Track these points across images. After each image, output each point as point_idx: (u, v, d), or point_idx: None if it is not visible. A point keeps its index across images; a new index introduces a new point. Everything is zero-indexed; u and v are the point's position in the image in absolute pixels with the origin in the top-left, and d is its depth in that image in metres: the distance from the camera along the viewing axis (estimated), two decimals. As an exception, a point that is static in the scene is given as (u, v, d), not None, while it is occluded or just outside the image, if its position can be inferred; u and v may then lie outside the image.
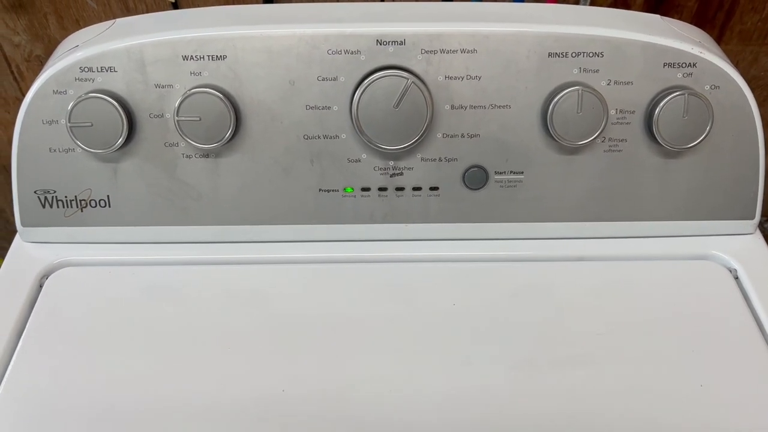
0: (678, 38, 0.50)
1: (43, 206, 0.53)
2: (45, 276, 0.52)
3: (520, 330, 0.48)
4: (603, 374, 0.46)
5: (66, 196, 0.53)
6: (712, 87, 0.50)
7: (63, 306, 0.50)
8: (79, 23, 0.88)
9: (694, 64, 0.50)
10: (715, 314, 0.50)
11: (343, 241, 0.55)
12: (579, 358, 0.47)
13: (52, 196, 0.53)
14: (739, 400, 0.44)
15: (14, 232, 0.55)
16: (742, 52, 0.91)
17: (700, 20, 0.87)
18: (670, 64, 0.50)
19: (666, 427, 0.43)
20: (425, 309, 0.50)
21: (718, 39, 0.89)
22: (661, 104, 0.50)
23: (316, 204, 0.53)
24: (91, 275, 0.53)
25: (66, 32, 0.88)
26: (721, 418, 0.44)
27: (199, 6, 0.85)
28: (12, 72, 0.94)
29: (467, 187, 0.53)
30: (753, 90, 0.93)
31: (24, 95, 0.51)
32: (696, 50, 0.50)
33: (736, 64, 0.92)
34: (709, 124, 0.50)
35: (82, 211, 0.53)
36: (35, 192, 0.53)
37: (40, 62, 0.92)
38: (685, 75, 0.50)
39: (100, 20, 0.79)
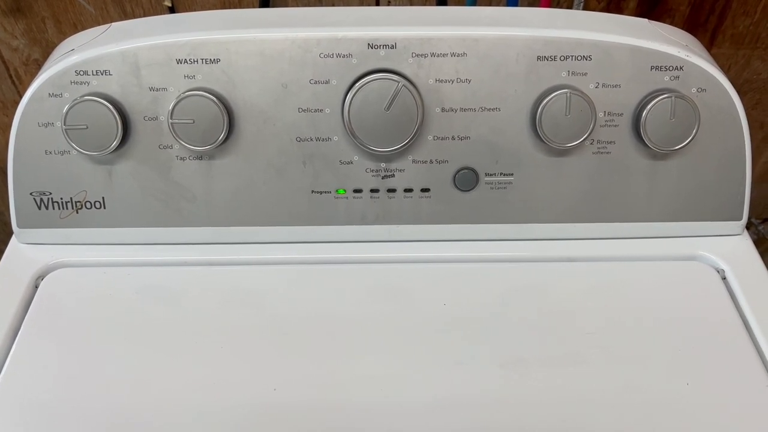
0: (665, 42, 0.51)
1: (39, 208, 0.54)
2: (40, 277, 0.53)
3: (511, 330, 0.49)
4: (591, 373, 0.46)
5: (61, 198, 0.53)
6: (699, 90, 0.51)
7: (58, 307, 0.51)
8: (77, 27, 0.88)
9: (680, 68, 0.51)
10: (703, 314, 0.50)
11: (335, 242, 0.55)
12: (568, 357, 0.47)
13: (48, 198, 0.53)
14: (724, 399, 0.45)
15: (12, 234, 0.56)
16: (734, 56, 0.91)
17: (692, 24, 0.88)
18: (657, 67, 0.51)
19: (653, 425, 0.43)
20: (416, 310, 0.50)
21: (711, 43, 0.90)
22: (649, 107, 0.50)
23: (309, 205, 0.54)
24: (87, 276, 0.53)
25: (64, 36, 0.88)
26: (707, 416, 0.44)
27: (195, 10, 0.86)
28: (10, 76, 0.95)
29: (458, 188, 0.54)
30: (745, 93, 0.94)
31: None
32: (683, 53, 0.51)
33: (728, 68, 0.93)
34: (696, 127, 0.51)
35: (77, 212, 0.54)
36: (31, 194, 0.53)
37: (38, 66, 0.93)
38: (672, 78, 0.51)
39: (98, 24, 0.80)
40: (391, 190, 0.54)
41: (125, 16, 0.87)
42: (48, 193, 0.53)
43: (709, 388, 0.45)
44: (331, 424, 0.43)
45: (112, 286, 0.52)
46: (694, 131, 0.51)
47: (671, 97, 0.50)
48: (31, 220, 0.54)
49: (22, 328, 0.49)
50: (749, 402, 0.45)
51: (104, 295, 0.51)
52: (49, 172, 0.52)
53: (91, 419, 0.43)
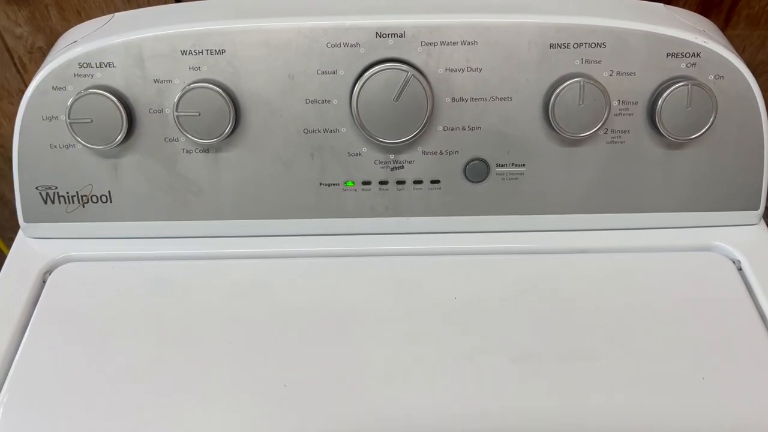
0: (681, 27, 0.50)
1: (45, 202, 0.53)
2: (48, 271, 0.53)
3: (523, 323, 0.48)
4: (604, 368, 0.46)
5: (67, 192, 0.53)
6: (716, 77, 0.50)
7: (67, 302, 0.50)
8: (81, 14, 0.87)
9: (697, 54, 0.49)
10: (719, 306, 0.49)
11: (344, 235, 0.55)
12: (581, 351, 0.47)
13: (54, 192, 0.53)
14: (740, 393, 0.44)
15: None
16: (750, 37, 0.89)
17: (706, 5, 0.86)
18: (673, 54, 0.49)
19: (666, 421, 0.43)
20: (427, 302, 0.50)
21: (725, 24, 0.88)
22: (665, 95, 0.49)
23: (317, 198, 0.53)
24: (94, 271, 0.53)
25: (67, 23, 0.87)
26: (723, 411, 0.43)
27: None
28: (15, 64, 0.94)
29: (468, 180, 0.53)
30: (760, 75, 0.92)
31: (27, 87, 0.51)
32: (700, 40, 0.49)
33: (744, 50, 0.91)
34: (713, 115, 0.50)
35: (83, 206, 0.53)
36: (37, 188, 0.53)
37: (43, 54, 0.92)
38: (689, 65, 0.50)
39: (102, 11, 0.79)
40: (401, 182, 0.53)
41: (129, 3, 0.85)
42: (54, 188, 0.53)
43: (725, 383, 0.45)
44: (340, 417, 0.43)
45: (120, 281, 0.52)
46: (711, 120, 0.50)
47: (688, 84, 0.49)
48: (38, 215, 0.54)
49: (30, 322, 0.49)
50: (765, 397, 0.44)
51: (112, 290, 0.51)
52: (55, 166, 0.52)
53: (100, 412, 0.43)
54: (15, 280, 0.52)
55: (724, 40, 0.52)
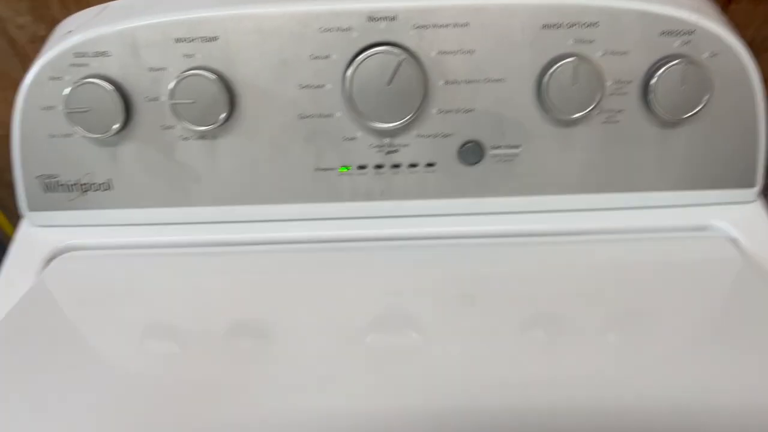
0: (676, 5, 0.49)
1: (47, 191, 0.54)
2: (52, 259, 0.53)
3: (519, 304, 0.49)
4: (605, 347, 0.46)
5: (68, 181, 0.54)
6: (711, 54, 0.49)
7: (70, 288, 0.51)
8: (81, 3, 0.88)
9: (692, 32, 0.49)
10: (716, 285, 0.50)
11: (340, 219, 0.55)
12: (580, 330, 0.47)
13: (55, 181, 0.54)
14: (735, 372, 0.44)
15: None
16: (753, 12, 0.88)
17: (709, -20, 0.85)
18: (667, 32, 0.49)
19: (670, 401, 0.43)
20: (424, 285, 0.50)
21: (728, -1, 0.87)
22: (658, 74, 0.49)
23: (313, 183, 0.54)
24: (97, 257, 0.54)
25: (68, 12, 0.87)
26: (720, 390, 0.44)
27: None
28: (18, 53, 0.94)
29: (463, 162, 0.53)
30: (765, 51, 0.90)
31: (29, 76, 0.52)
32: (694, 17, 0.49)
33: (747, 25, 0.90)
34: (708, 93, 0.49)
35: (84, 194, 0.54)
36: (38, 177, 0.54)
37: (45, 43, 0.93)
38: (683, 43, 0.49)
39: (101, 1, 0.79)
40: (396, 166, 0.53)
41: (128, -10, 0.85)
42: (55, 177, 0.54)
43: (721, 361, 0.45)
44: (342, 399, 0.44)
45: (123, 266, 0.53)
46: (706, 98, 0.50)
47: (682, 63, 0.48)
48: (40, 203, 0.54)
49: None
50: (760, 375, 0.44)
51: (115, 276, 0.52)
52: (55, 155, 0.53)
53: (102, 400, 0.44)
54: (19, 268, 0.53)
55: (720, 17, 0.52)
